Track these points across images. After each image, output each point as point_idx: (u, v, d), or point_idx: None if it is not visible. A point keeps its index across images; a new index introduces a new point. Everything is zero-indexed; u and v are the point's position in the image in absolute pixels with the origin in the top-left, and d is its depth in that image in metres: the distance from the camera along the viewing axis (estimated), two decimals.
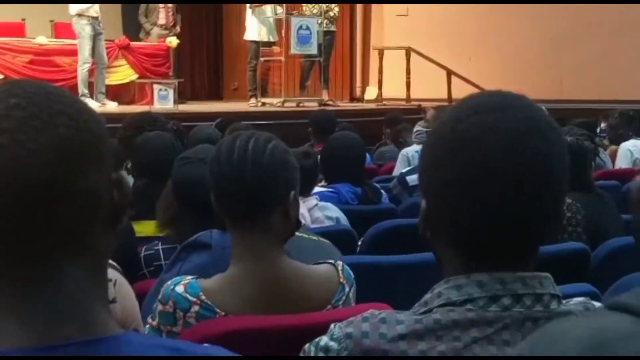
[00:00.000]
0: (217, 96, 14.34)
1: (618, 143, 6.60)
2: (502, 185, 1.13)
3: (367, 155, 5.85)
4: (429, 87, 11.37)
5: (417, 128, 6.58)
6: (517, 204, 1.14)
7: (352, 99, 13.53)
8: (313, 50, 11.06)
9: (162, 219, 2.72)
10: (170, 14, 12.00)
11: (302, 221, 2.70)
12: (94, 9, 10.26)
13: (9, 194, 0.94)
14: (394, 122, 7.97)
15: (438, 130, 1.21)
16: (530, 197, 1.14)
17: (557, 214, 1.20)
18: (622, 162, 6.36)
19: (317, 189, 4.24)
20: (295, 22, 10.88)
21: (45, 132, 0.97)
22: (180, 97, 10.77)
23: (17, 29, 11.73)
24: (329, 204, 3.95)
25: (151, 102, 10.30)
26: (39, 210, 0.96)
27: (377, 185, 4.67)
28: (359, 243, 3.72)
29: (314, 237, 2.41)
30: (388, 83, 11.87)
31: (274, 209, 1.95)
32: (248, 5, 11.33)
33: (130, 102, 11.19)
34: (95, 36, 10.31)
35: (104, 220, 1.02)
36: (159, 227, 2.77)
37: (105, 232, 1.02)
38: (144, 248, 2.86)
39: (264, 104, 11.21)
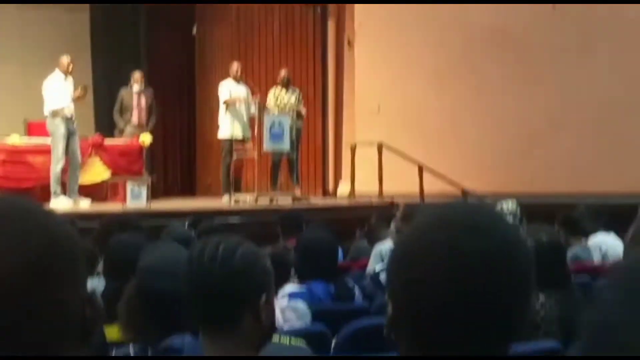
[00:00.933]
0: (190, 192, 14.36)
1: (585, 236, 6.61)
2: (464, 295, 1.14)
3: (340, 251, 5.85)
4: (402, 182, 11.46)
5: (392, 226, 6.61)
6: (481, 313, 1.15)
7: (325, 194, 13.58)
8: (286, 146, 11.16)
9: (126, 322, 2.69)
10: (144, 113, 12.09)
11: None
12: (69, 109, 10.33)
13: None
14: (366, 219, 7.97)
15: (406, 239, 1.23)
16: (494, 307, 1.15)
17: (522, 320, 1.20)
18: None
19: (289, 288, 4.23)
20: (268, 119, 11.00)
21: (10, 249, 0.98)
22: (153, 193, 10.78)
23: None
24: (300, 304, 3.93)
25: (124, 200, 10.30)
26: (5, 328, 0.96)
27: (351, 281, 4.66)
28: (333, 342, 3.70)
29: (291, 342, 2.39)
30: (361, 178, 11.96)
31: (244, 313, 1.94)
32: (222, 102, 11.46)
33: (103, 199, 11.17)
34: (69, 135, 10.34)
35: (75, 335, 1.02)
36: (123, 331, 2.74)
37: (76, 345, 1.02)
38: (114, 350, 2.83)
39: (237, 200, 11.24)
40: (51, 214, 1.06)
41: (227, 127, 11.47)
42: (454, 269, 1.14)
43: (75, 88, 10.42)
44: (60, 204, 9.90)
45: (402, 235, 1.26)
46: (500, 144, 11.95)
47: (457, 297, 1.13)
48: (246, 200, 11.21)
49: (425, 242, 1.18)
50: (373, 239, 7.21)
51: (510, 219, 5.94)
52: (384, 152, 11.80)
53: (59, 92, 10.26)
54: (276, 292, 3.86)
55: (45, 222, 1.02)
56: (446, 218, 1.20)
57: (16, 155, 10.83)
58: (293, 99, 11.80)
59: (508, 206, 6.55)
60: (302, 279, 4.38)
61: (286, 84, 11.83)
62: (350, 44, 13.42)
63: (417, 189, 11.43)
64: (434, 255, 1.16)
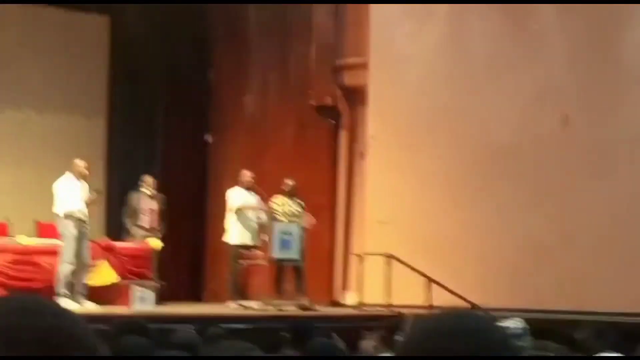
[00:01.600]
0: (196, 297, 14.29)
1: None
2: None
3: None
4: (410, 294, 11.40)
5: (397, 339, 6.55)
6: None
7: (332, 303, 13.49)
8: (295, 255, 11.17)
9: None
10: (154, 217, 12.15)
11: None
12: (82, 212, 10.36)
13: None
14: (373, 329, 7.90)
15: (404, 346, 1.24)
16: None
17: None
18: None
19: None
20: (278, 227, 11.05)
21: (10, 348, 0.99)
22: (160, 298, 10.74)
23: (1, 228, 11.84)
24: None
25: (131, 303, 10.25)
26: None
27: None
28: None
29: None
30: (368, 289, 11.90)
31: None
32: (230, 209, 11.53)
33: (110, 302, 11.12)
34: (81, 238, 10.36)
35: None
36: None
37: None
38: None
39: (244, 307, 11.18)
40: (58, 311, 1.07)
41: (237, 234, 11.51)
42: None
43: (89, 192, 10.50)
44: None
45: (399, 346, 1.28)
46: (509, 259, 11.91)
47: None
48: (253, 306, 11.16)
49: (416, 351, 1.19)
50: (379, 350, 7.12)
51: (516, 336, 5.89)
52: (393, 263, 11.78)
53: (72, 194, 10.33)
54: None
55: (46, 321, 1.04)
56: (435, 327, 1.22)
57: (25, 254, 10.86)
58: (299, 209, 11.86)
59: (515, 324, 6.49)
60: None
61: (292, 194, 11.90)
62: (362, 155, 13.56)
63: (424, 301, 11.35)
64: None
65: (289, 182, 12.05)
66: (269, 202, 11.51)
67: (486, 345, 1.19)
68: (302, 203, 12.05)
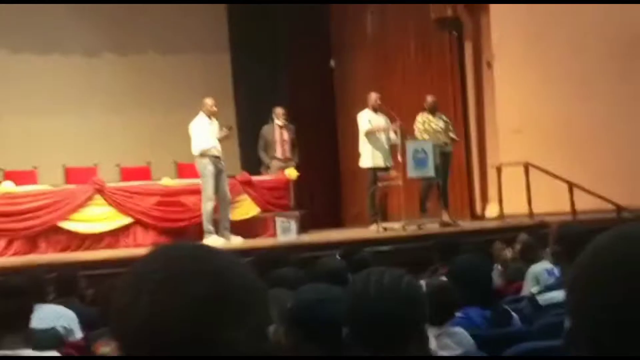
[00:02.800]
0: (338, 223, 14.47)
1: None
2: None
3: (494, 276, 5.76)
4: (551, 201, 11.21)
5: (548, 248, 6.47)
6: None
7: (473, 217, 13.43)
8: (430, 172, 11.11)
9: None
10: (287, 147, 12.29)
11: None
12: (216, 149, 10.60)
13: (146, 351, 1.00)
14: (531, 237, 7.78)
15: (588, 262, 1.19)
16: None
17: None
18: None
19: None
20: (410, 146, 11.00)
21: (181, 290, 1.03)
22: (302, 226, 10.92)
23: (144, 173, 12.24)
24: (458, 330, 3.90)
25: (274, 235, 10.48)
26: None
27: (507, 307, 4.59)
28: None
29: None
30: (508, 199, 11.77)
31: (410, 339, 1.97)
32: (362, 133, 11.54)
33: (255, 236, 11.39)
34: (218, 174, 10.61)
35: None
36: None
37: None
38: None
39: (385, 228, 11.26)
40: (219, 256, 1.10)
41: (369, 157, 11.53)
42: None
43: (220, 128, 10.70)
44: (213, 242, 10.15)
45: (582, 258, 1.22)
46: None
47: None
48: (394, 227, 11.22)
49: (612, 263, 1.14)
50: (527, 260, 7.07)
51: None
52: (531, 171, 11.58)
53: (205, 133, 10.55)
54: (441, 322, 3.85)
55: (211, 265, 1.07)
56: (626, 236, 1.17)
57: (169, 196, 11.22)
58: (442, 124, 11.77)
59: None
60: (459, 306, 4.35)
61: (433, 110, 11.81)
62: (489, 64, 13.29)
63: (567, 208, 11.14)
64: (622, 275, 1.12)
65: (429, 98, 11.94)
66: (398, 121, 11.45)
67: None
68: (445, 118, 11.95)
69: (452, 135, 11.81)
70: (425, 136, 11.50)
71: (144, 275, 1.06)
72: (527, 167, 11.58)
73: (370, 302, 1.99)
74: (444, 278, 4.74)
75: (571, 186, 11.32)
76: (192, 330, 1.02)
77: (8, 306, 3.92)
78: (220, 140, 10.64)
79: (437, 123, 11.73)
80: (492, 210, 12.75)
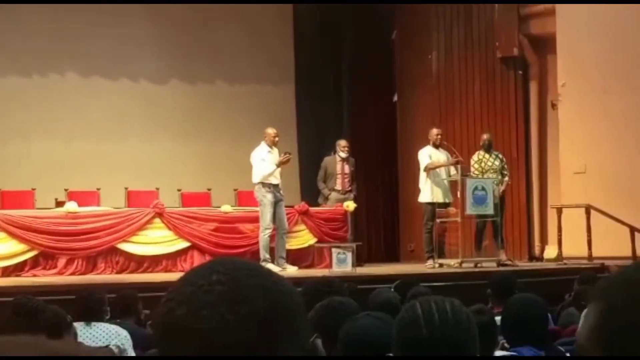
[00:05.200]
0: (393, 258, 14.42)
1: None
2: None
3: (550, 317, 5.69)
4: (612, 245, 11.04)
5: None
6: None
7: (531, 258, 13.28)
8: (489, 210, 11.05)
9: None
10: (347, 179, 12.31)
11: None
12: (275, 177, 10.69)
13: None
14: (587, 280, 7.64)
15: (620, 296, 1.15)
16: None
17: None
18: None
19: (498, 353, 4.15)
20: (470, 183, 10.95)
21: (242, 305, 1.04)
22: (358, 260, 10.91)
23: (204, 199, 12.35)
24: None
25: (330, 266, 10.49)
26: None
27: (561, 348, 4.53)
28: None
29: None
30: (567, 241, 11.62)
31: None
32: (422, 168, 11.52)
33: (310, 266, 11.41)
34: (276, 203, 10.69)
35: None
36: None
37: None
38: None
39: (441, 265, 11.19)
40: (271, 272, 1.12)
41: (428, 192, 11.49)
42: None
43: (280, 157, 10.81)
44: None
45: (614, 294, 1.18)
46: None
47: None
48: (450, 264, 11.15)
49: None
50: (579, 304, 6.95)
51: None
52: (592, 214, 11.43)
53: (266, 162, 10.65)
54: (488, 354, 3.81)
55: (267, 279, 1.09)
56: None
57: (228, 222, 11.30)
58: (497, 163, 11.70)
59: None
60: (511, 344, 4.30)
61: (488, 148, 11.76)
62: (553, 105, 13.19)
63: (627, 253, 10.96)
64: None
65: (485, 136, 11.91)
66: (459, 157, 11.42)
67: None
68: (501, 156, 11.88)
69: (505, 175, 11.68)
70: (480, 175, 11.44)
71: (202, 287, 1.06)
72: (588, 209, 11.44)
73: (436, 331, 1.98)
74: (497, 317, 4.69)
75: (633, 230, 11.15)
76: (252, 346, 1.03)
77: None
78: (278, 165, 10.71)
79: (493, 161, 11.66)
80: (550, 252, 12.59)
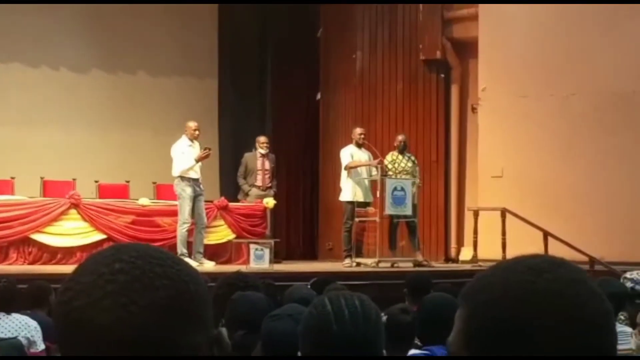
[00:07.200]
0: (312, 256, 14.45)
1: None
2: None
3: None
4: (526, 248, 11.18)
5: None
6: None
7: (447, 259, 13.45)
8: (408, 211, 11.15)
9: None
10: (267, 176, 12.28)
11: None
12: (195, 171, 10.62)
13: (112, 353, 0.98)
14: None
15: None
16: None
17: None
18: None
19: (411, 352, 4.18)
20: (390, 183, 11.03)
21: (146, 294, 1.01)
22: (276, 257, 10.90)
23: (122, 191, 12.19)
24: None
25: (247, 262, 10.45)
26: None
27: None
28: None
29: None
30: (483, 244, 11.80)
31: None
32: (343, 167, 11.56)
33: (227, 261, 11.37)
34: (196, 197, 10.62)
35: None
36: None
37: None
38: None
39: (358, 264, 11.25)
40: (176, 260, 1.09)
41: (349, 191, 11.53)
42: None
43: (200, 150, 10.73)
44: None
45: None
46: (629, 211, 11.61)
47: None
48: (368, 263, 11.21)
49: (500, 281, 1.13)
50: None
51: (634, 287, 5.78)
52: (507, 217, 11.63)
53: (186, 155, 10.57)
54: (405, 352, 3.84)
55: (172, 268, 1.06)
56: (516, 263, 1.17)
57: (145, 215, 11.18)
58: (410, 165, 11.79)
59: (633, 275, 6.33)
60: (424, 343, 4.33)
61: (402, 149, 11.85)
62: (473, 108, 13.38)
63: None
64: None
65: (400, 137, 12.01)
66: (380, 158, 11.49)
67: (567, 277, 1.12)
68: (414, 158, 11.98)
69: (416, 178, 11.76)
70: (393, 175, 11.52)
71: (103, 276, 1.01)
72: (504, 212, 11.64)
73: (346, 326, 1.97)
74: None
75: (546, 235, 11.37)
76: (157, 334, 1.00)
77: None
78: (198, 160, 10.64)
79: (406, 163, 11.76)
80: (466, 254, 12.77)
